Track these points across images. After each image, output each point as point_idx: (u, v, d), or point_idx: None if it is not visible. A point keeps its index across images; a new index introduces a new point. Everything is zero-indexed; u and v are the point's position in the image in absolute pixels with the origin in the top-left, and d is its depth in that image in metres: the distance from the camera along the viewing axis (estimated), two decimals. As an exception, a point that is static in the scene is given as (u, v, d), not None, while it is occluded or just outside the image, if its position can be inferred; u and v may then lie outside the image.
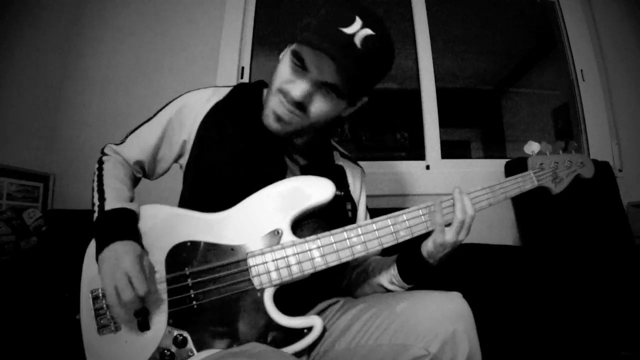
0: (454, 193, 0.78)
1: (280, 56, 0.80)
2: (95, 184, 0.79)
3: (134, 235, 0.71)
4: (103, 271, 0.66)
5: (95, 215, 0.74)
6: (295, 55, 0.72)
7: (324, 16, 0.71)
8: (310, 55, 0.71)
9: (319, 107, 0.75)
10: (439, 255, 0.77)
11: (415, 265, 0.79)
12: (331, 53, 0.66)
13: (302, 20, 0.75)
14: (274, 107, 0.76)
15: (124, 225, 0.72)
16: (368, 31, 0.68)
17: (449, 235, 0.75)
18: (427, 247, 0.77)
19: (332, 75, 0.70)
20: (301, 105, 0.74)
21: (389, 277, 0.82)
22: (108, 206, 0.73)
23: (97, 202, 0.75)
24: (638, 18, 1.93)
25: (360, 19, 0.68)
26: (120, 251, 0.67)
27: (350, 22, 0.67)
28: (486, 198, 0.82)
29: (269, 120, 0.78)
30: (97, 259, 0.69)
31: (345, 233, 0.72)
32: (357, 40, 0.67)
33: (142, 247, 0.70)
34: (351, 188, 0.94)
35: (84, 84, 1.82)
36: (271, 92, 0.78)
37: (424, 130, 1.86)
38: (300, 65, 0.72)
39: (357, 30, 0.67)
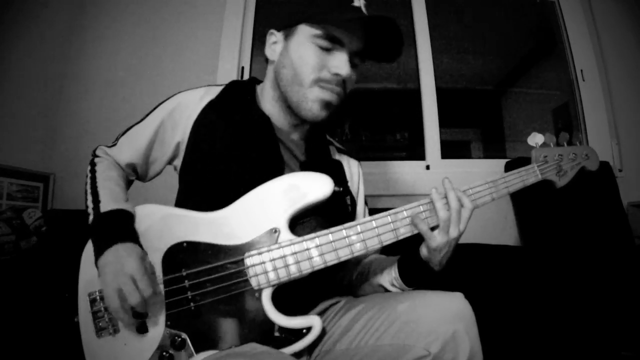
0: (432, 194, 0.74)
1: (279, 48, 0.82)
2: (89, 186, 0.77)
3: (134, 236, 0.69)
4: (106, 274, 0.64)
5: (91, 218, 0.72)
6: (323, 36, 0.75)
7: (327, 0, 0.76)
8: (339, 31, 0.74)
9: (353, 80, 0.81)
10: (438, 259, 0.74)
11: (416, 268, 0.77)
12: (359, 23, 0.73)
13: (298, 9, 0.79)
14: (321, 96, 0.77)
15: (123, 227, 0.70)
16: (363, 0, 0.78)
17: (440, 237, 0.72)
18: (423, 253, 0.75)
19: (360, 44, 0.77)
20: (344, 83, 0.78)
21: (389, 278, 0.80)
22: (104, 208, 0.71)
23: (91, 205, 0.73)
24: (638, 18, 1.93)
25: None
26: (123, 253, 0.65)
27: None
28: (489, 193, 0.78)
29: (315, 111, 0.77)
30: (96, 264, 0.67)
31: (344, 231, 0.71)
32: (364, 10, 0.76)
33: (142, 248, 0.69)
34: (349, 182, 0.93)
35: (84, 84, 1.82)
36: (304, 85, 0.77)
37: (424, 130, 1.87)
38: (329, 47, 0.75)
39: (361, 2, 0.76)
